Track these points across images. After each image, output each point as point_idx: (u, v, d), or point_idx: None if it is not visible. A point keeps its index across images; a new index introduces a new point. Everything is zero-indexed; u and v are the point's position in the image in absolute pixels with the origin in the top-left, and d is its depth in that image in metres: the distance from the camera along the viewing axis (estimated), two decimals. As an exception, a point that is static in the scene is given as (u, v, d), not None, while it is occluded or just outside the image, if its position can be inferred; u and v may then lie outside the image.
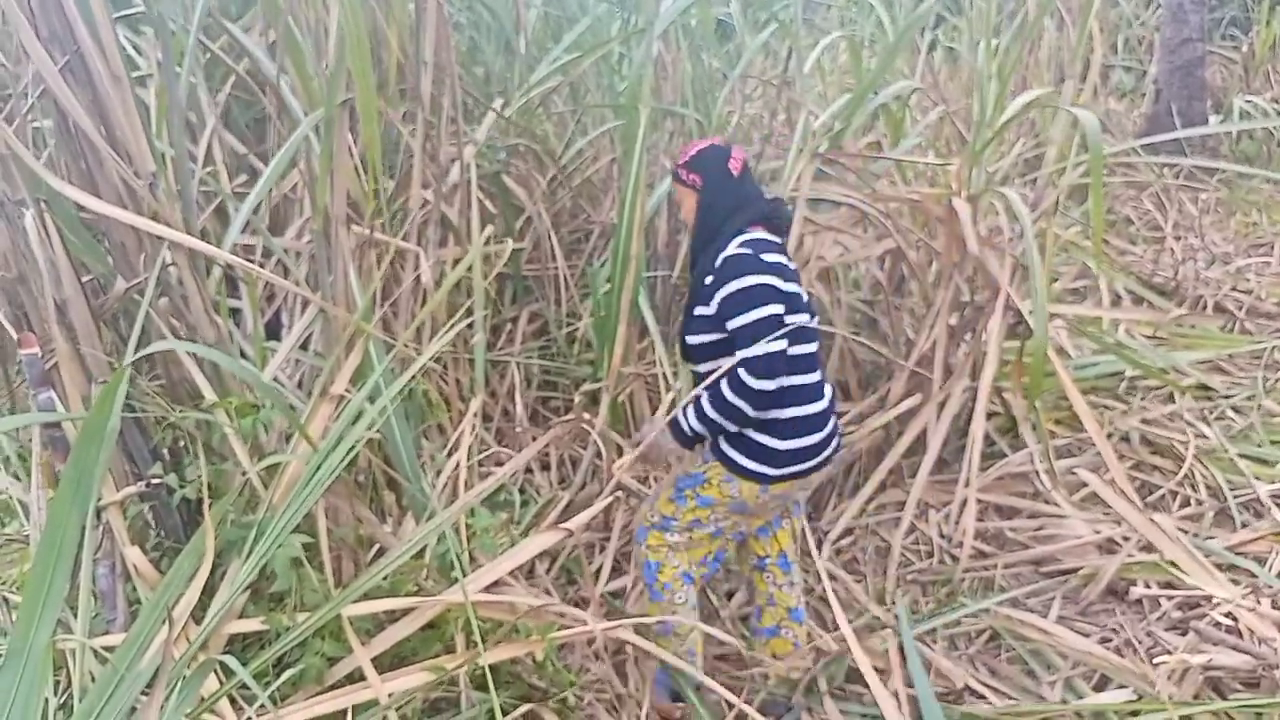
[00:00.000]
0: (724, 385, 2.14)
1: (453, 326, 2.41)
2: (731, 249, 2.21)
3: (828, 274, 3.42)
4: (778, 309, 2.14)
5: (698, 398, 2.21)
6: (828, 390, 2.34)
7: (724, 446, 2.26)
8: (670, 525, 2.34)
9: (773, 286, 2.15)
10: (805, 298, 2.30)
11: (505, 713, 1.91)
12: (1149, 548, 2.88)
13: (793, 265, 2.31)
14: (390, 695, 1.89)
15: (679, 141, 4.10)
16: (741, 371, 2.11)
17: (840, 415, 3.35)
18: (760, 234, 2.27)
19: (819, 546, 3.13)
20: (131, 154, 1.98)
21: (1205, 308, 4.61)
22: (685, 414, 2.25)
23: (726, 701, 2.14)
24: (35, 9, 1.84)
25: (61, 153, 2.03)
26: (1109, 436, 3.39)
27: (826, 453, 2.31)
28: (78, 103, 1.90)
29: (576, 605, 2.56)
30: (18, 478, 2.76)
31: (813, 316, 2.33)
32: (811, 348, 2.29)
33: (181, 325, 2.18)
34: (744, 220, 2.27)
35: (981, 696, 2.48)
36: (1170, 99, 6.57)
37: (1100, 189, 2.91)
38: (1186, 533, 2.96)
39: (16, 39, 1.81)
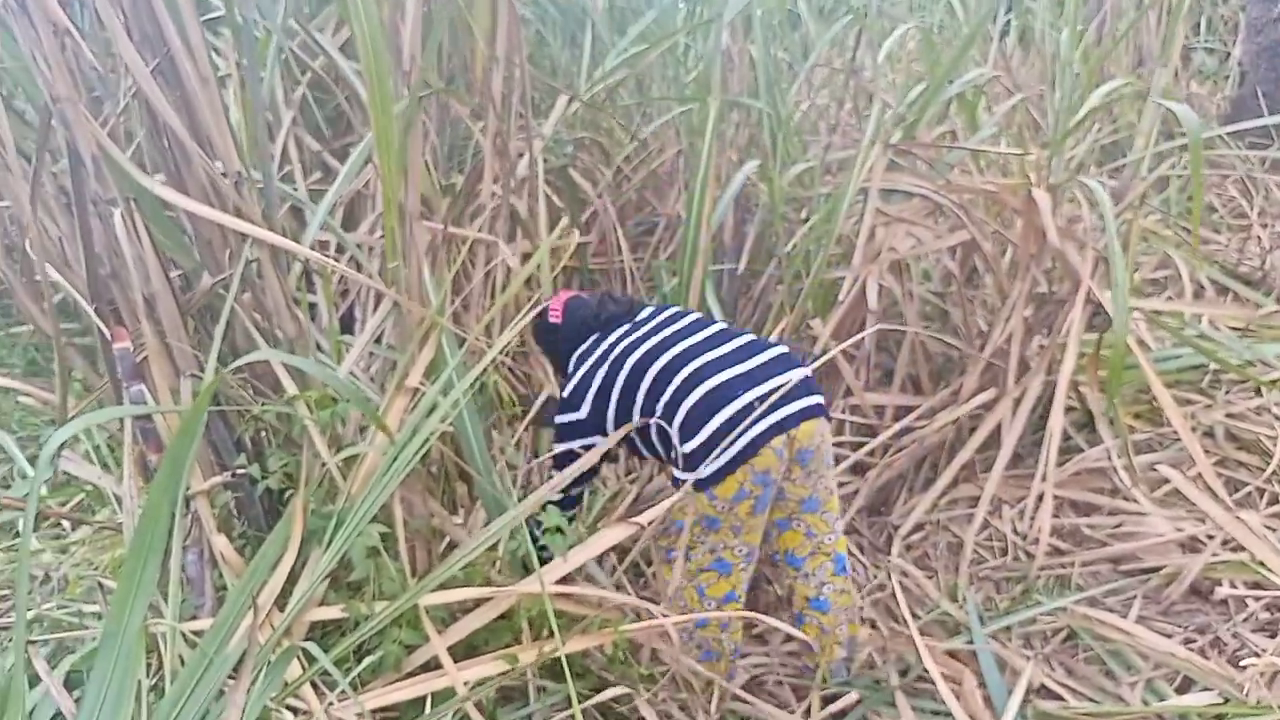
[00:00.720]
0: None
1: (522, 319, 2.44)
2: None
3: (899, 266, 3.37)
4: (573, 444, 2.40)
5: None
6: (745, 362, 2.22)
7: (671, 469, 2.29)
8: (672, 556, 2.35)
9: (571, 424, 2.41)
10: (662, 317, 2.42)
11: (581, 700, 1.93)
12: (1235, 546, 2.78)
13: (633, 316, 2.46)
14: (466, 684, 1.93)
15: (745, 133, 4.08)
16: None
17: (911, 409, 3.29)
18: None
19: (889, 542, 3.10)
20: (218, 153, 2.04)
21: (1294, 298, 4.43)
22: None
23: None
24: (128, 12, 1.90)
25: (151, 152, 2.10)
26: (1192, 431, 3.28)
27: (765, 422, 2.15)
28: (167, 103, 1.96)
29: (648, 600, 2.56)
30: (107, 468, 2.87)
31: (697, 324, 2.41)
32: (678, 349, 2.28)
33: (263, 319, 2.24)
34: (588, 338, 2.48)
35: (1058, 696, 2.43)
36: (1256, 82, 6.29)
37: (1201, 183, 2.80)
38: (1275, 531, 2.85)
39: (114, 43, 1.87)
